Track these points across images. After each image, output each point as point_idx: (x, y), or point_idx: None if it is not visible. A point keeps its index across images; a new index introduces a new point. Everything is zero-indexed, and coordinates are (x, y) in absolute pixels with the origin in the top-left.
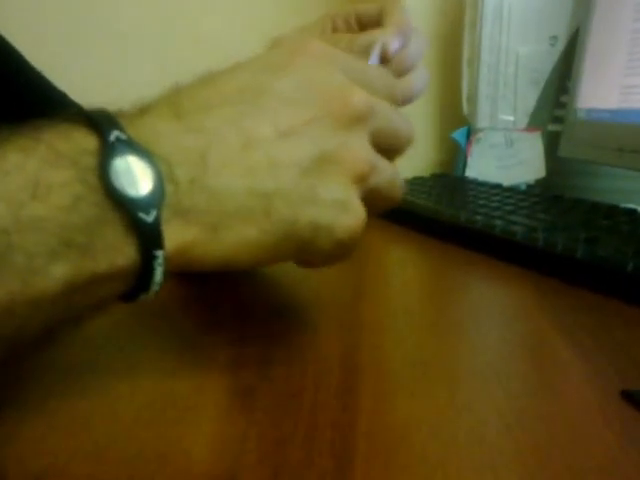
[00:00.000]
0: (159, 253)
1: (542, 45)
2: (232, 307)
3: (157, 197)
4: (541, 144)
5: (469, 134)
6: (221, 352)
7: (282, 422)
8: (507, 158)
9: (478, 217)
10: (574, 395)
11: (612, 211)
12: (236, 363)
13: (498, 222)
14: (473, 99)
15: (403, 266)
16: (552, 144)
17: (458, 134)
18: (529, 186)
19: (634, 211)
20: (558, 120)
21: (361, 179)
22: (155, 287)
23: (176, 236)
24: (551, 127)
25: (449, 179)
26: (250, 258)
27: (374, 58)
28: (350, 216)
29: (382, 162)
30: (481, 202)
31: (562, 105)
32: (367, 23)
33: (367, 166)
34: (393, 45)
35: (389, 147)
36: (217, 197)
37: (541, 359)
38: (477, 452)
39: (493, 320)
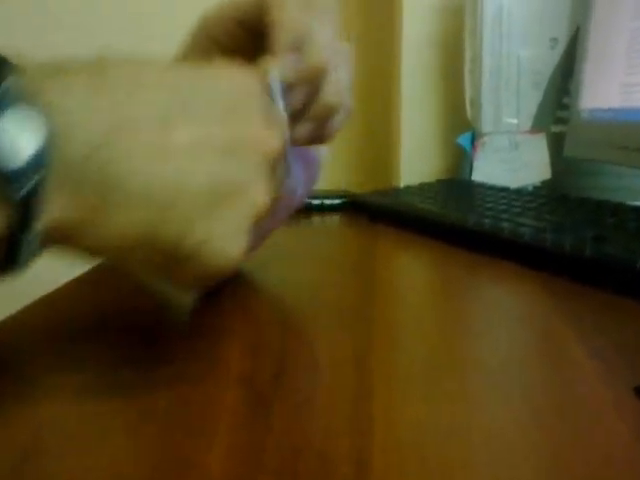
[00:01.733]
0: (30, 227)
1: (542, 48)
2: (243, 316)
3: (37, 166)
4: (545, 146)
5: (474, 138)
6: (235, 361)
7: (298, 430)
8: (512, 161)
9: (486, 220)
10: (588, 392)
11: (619, 209)
12: (250, 372)
13: (506, 224)
14: (476, 104)
15: (413, 270)
16: (556, 145)
17: (463, 139)
18: (535, 187)
19: None
20: (561, 121)
21: (258, 218)
22: (23, 263)
23: (53, 210)
24: (555, 128)
25: (456, 184)
26: (121, 252)
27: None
28: (234, 248)
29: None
30: (488, 205)
31: (565, 106)
32: (250, 26)
33: (265, 207)
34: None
35: None
36: (114, 178)
37: (554, 358)
38: (494, 452)
39: (505, 321)
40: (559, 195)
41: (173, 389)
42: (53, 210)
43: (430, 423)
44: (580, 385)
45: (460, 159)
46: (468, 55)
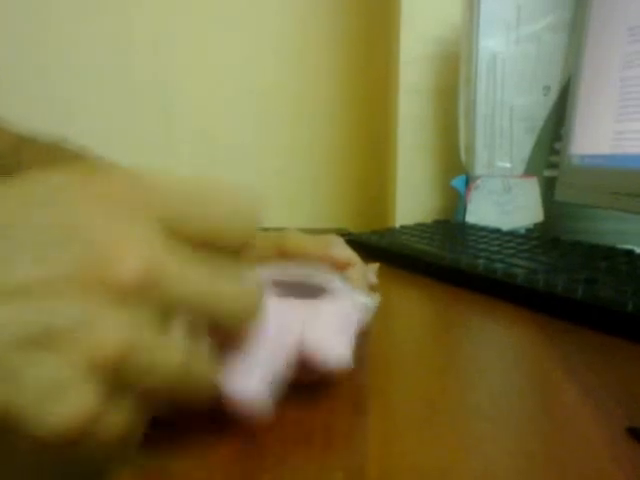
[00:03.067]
0: None
1: (535, 95)
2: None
3: None
4: (538, 189)
5: (468, 181)
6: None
7: (293, 466)
8: (505, 203)
9: (480, 261)
10: (581, 433)
11: (610, 252)
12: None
13: (499, 265)
14: (471, 148)
15: (408, 309)
16: (549, 189)
17: (457, 182)
18: (528, 230)
19: (631, 252)
20: (553, 166)
21: (106, 367)
22: None
23: None
24: (547, 173)
25: (450, 225)
26: None
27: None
28: (67, 404)
29: (165, 350)
30: (482, 246)
31: (557, 151)
32: None
33: (115, 352)
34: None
35: (212, 323)
36: None
37: (547, 398)
38: None
39: (498, 361)
40: (551, 238)
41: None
42: None
43: (424, 466)
44: (573, 426)
45: (454, 201)
46: (463, 102)
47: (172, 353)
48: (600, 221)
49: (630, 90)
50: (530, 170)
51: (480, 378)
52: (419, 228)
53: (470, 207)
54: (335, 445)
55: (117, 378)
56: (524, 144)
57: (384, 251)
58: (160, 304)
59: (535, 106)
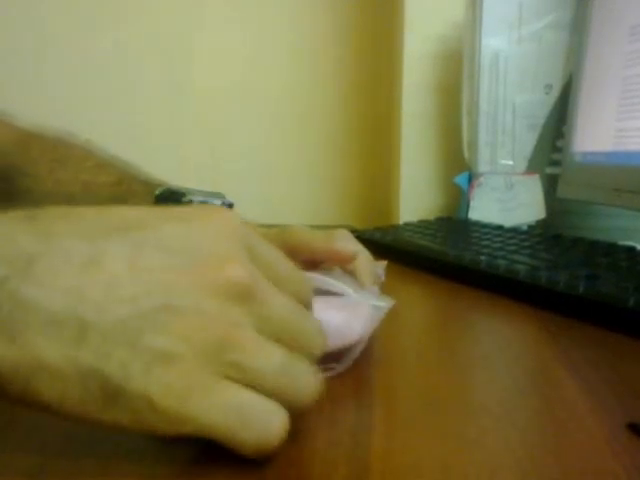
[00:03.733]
0: None
1: (537, 93)
2: None
3: None
4: (540, 186)
5: (471, 179)
6: None
7: (298, 459)
8: (508, 201)
9: (482, 257)
10: (582, 429)
11: (611, 249)
12: None
13: (501, 262)
14: (473, 146)
15: (411, 305)
16: (551, 186)
17: (460, 179)
18: (530, 227)
19: (632, 248)
20: (556, 163)
21: (214, 345)
22: None
23: None
24: (549, 170)
25: (453, 222)
26: (49, 389)
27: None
28: (170, 372)
29: (270, 345)
30: (484, 243)
31: (559, 149)
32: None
33: (225, 334)
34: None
35: (290, 344)
36: (25, 306)
37: (548, 393)
38: None
39: (500, 357)
40: (553, 234)
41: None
42: None
43: (427, 457)
44: (574, 421)
45: (457, 198)
46: (465, 100)
47: (275, 352)
48: (602, 218)
49: (631, 88)
50: (532, 167)
51: (482, 374)
52: (422, 225)
53: (473, 204)
54: (339, 440)
55: (219, 357)
56: (526, 142)
57: (388, 248)
58: (254, 313)
59: (537, 104)
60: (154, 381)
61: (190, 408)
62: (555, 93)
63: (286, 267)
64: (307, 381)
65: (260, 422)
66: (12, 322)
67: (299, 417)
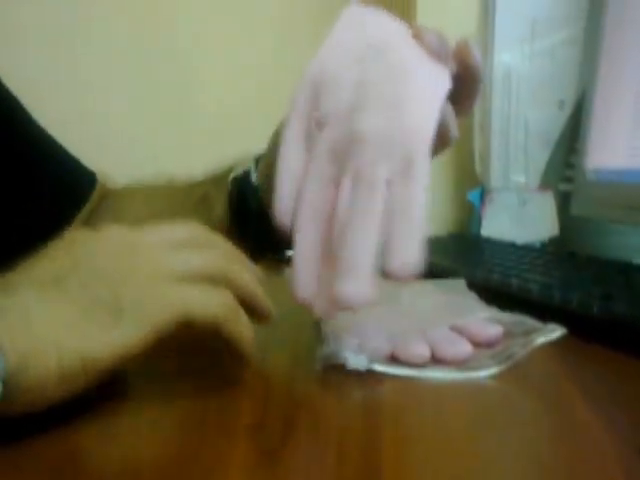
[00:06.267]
0: None
1: (550, 109)
2: (254, 371)
3: None
4: (553, 203)
5: (483, 194)
6: (245, 415)
7: (307, 477)
8: (520, 217)
9: (494, 275)
10: (594, 452)
11: (625, 267)
12: (260, 426)
13: (514, 280)
14: (486, 161)
15: None
16: (564, 203)
17: (473, 195)
18: (543, 244)
19: None
20: (569, 180)
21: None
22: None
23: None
24: (562, 186)
25: (465, 238)
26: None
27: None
28: (216, 298)
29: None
30: (497, 260)
31: (572, 165)
32: None
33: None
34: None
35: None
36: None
37: (560, 415)
38: None
39: (510, 376)
40: (566, 252)
41: (182, 442)
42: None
43: (439, 478)
44: (587, 444)
45: (469, 214)
46: (478, 115)
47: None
48: (616, 235)
49: None
50: (545, 184)
51: (492, 393)
52: (434, 241)
53: (485, 220)
54: (349, 458)
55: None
56: (539, 158)
57: None
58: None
59: (550, 120)
60: (148, 294)
61: (171, 300)
62: (568, 109)
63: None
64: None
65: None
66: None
67: (309, 444)
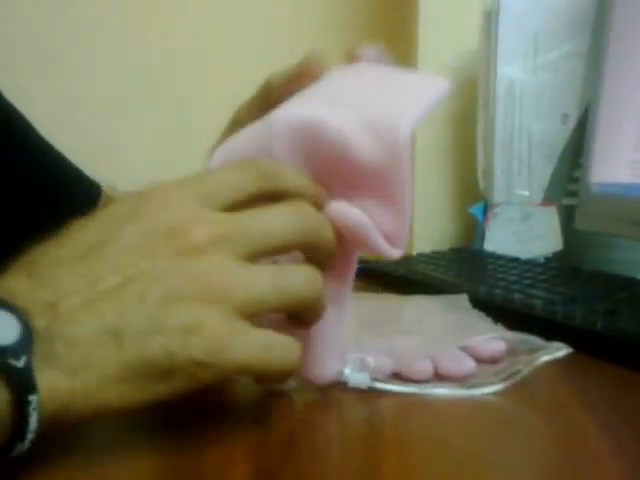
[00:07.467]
0: (33, 398)
1: (554, 123)
2: (255, 387)
3: (25, 344)
4: (557, 218)
5: (486, 209)
6: (245, 432)
7: None
8: (524, 232)
9: (497, 290)
10: (600, 471)
11: (630, 283)
12: (260, 444)
13: (517, 295)
14: (489, 175)
15: None
16: (568, 217)
17: (475, 209)
18: (547, 259)
19: None
20: (572, 194)
21: (216, 297)
22: (30, 435)
23: (46, 381)
24: (566, 201)
25: (468, 253)
26: (119, 396)
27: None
28: (203, 336)
29: (255, 270)
30: (500, 275)
31: (576, 179)
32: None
33: (219, 285)
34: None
35: (309, 253)
36: (71, 341)
37: (564, 434)
38: None
39: (513, 393)
40: (570, 267)
41: (182, 458)
42: (44, 383)
43: None
44: (592, 463)
45: (472, 228)
46: (481, 128)
47: (263, 275)
48: (620, 250)
49: None
50: (549, 198)
51: (496, 411)
52: (436, 256)
53: (488, 235)
54: (350, 476)
55: (227, 303)
56: (543, 172)
57: (400, 279)
58: (232, 250)
59: (553, 134)
60: (194, 348)
61: (231, 356)
62: (571, 123)
63: (246, 180)
64: (300, 280)
65: (284, 352)
66: (68, 357)
67: (310, 461)
